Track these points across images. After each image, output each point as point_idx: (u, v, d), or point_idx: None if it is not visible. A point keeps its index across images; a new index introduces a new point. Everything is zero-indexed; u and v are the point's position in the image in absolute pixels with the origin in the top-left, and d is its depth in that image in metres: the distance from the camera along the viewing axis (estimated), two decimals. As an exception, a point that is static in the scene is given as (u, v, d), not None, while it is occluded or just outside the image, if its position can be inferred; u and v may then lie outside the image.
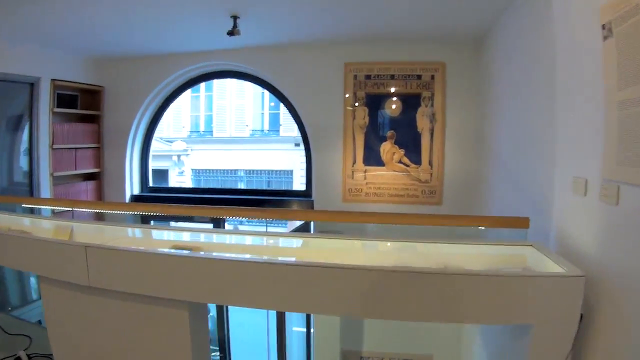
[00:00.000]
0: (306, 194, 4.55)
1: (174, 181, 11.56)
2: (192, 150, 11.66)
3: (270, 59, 4.37)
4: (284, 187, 10.99)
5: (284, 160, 10.81)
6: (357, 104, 4.22)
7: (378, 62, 4.21)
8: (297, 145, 10.38)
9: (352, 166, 4.25)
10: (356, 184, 4.26)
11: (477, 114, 4.10)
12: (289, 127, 10.71)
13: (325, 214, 2.13)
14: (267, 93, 11.07)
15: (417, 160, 4.22)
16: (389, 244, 2.09)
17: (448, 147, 4.21)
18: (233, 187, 11.37)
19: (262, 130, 11.51)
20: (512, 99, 3.26)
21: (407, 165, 4.22)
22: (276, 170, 11.15)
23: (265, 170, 11.28)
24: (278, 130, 11.18)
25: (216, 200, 4.79)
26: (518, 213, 2.82)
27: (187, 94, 11.73)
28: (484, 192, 3.92)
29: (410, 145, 4.22)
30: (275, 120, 11.24)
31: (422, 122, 4.19)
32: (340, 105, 4.24)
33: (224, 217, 4.83)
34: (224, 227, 4.75)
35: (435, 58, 4.18)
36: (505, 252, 1.96)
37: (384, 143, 4.23)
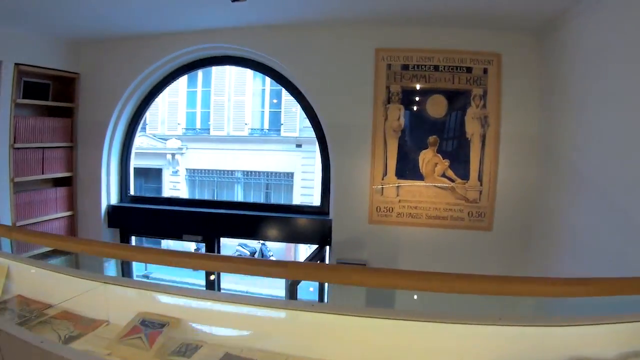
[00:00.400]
0: (321, 211, 3.70)
1: (167, 181, 10.75)
2: (187, 148, 10.85)
3: (281, 41, 3.52)
4: (284, 193, 10.19)
5: (284, 162, 10.08)
6: (390, 101, 3.39)
7: (418, 49, 3.37)
8: (298, 146, 9.65)
9: (382, 178, 3.41)
10: (386, 201, 3.42)
11: (544, 119, 3.26)
12: (290, 126, 10.02)
13: (368, 275, 1.28)
14: (268, 89, 10.30)
15: (464, 174, 3.38)
16: (462, 327, 1.25)
17: (503, 158, 3.37)
18: (230, 196, 10.59)
19: (262, 130, 10.71)
20: (603, 104, 2.48)
21: (452, 180, 3.38)
22: (276, 173, 10.38)
23: (264, 172, 10.50)
24: (279, 130, 10.45)
25: (209, 216, 3.91)
26: (620, 258, 2.13)
27: (183, 89, 11.01)
28: (551, 221, 3.08)
29: (457, 154, 3.38)
30: (276, 119, 10.51)
31: (472, 127, 3.35)
32: (369, 101, 3.40)
33: (218, 238, 4.03)
34: (218, 252, 3.94)
35: (490, 47, 3.35)
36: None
37: (424, 151, 3.39)
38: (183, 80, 10.56)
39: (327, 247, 3.57)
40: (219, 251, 4.10)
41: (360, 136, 3.41)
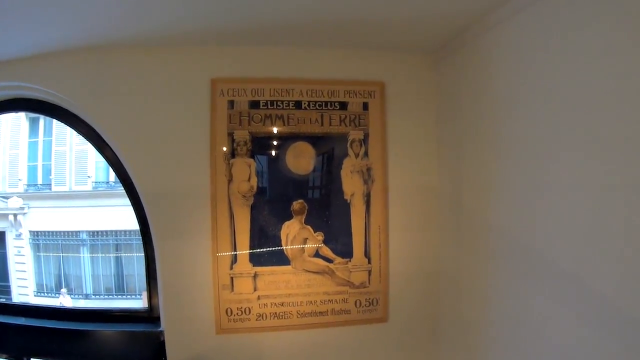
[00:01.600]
0: (149, 316, 2.56)
1: (11, 246, 9.04)
2: (29, 208, 9.21)
3: (79, 72, 2.34)
4: (137, 253, 8.80)
5: (133, 218, 8.89)
6: (235, 154, 2.37)
7: (272, 79, 2.41)
8: None
9: (231, 268, 2.37)
10: (239, 299, 2.38)
11: (444, 167, 2.49)
12: None
13: None
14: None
15: (345, 251, 2.46)
16: None
17: (395, 223, 2.52)
18: (76, 263, 9.05)
19: (108, 182, 9.36)
20: (523, 144, 1.85)
21: (330, 260, 2.45)
22: (126, 231, 9.10)
23: (112, 231, 9.16)
24: None
25: (20, 329, 2.57)
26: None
27: (25, 139, 9.38)
28: (465, 300, 2.32)
29: (334, 224, 2.45)
30: None
31: (352, 184, 2.46)
32: (204, 156, 2.35)
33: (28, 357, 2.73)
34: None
35: (370, 74, 2.50)
36: None
37: (287, 223, 2.41)
38: (24, 129, 9.17)
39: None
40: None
41: (195, 207, 2.35)
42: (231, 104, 2.36)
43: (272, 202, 2.40)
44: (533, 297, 1.77)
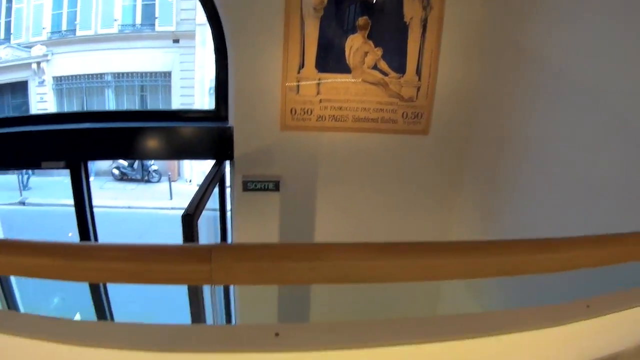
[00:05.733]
0: (217, 116, 3.03)
1: (34, 94, 9.35)
2: (52, 54, 9.35)
3: None
4: (162, 95, 9.21)
5: (160, 60, 9.14)
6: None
7: None
8: (175, 42, 8.68)
9: (299, 72, 2.78)
10: (304, 101, 2.83)
11: (501, 5, 2.75)
12: (166, 19, 8.92)
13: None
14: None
15: (399, 67, 2.85)
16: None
17: (446, 49, 2.87)
18: (100, 104, 9.39)
19: (134, 25, 9.41)
20: None
21: (385, 74, 2.85)
22: (151, 73, 9.36)
23: (138, 73, 9.42)
24: (153, 25, 9.27)
25: (72, 133, 2.94)
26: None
27: None
28: (497, 126, 2.75)
29: (392, 42, 2.81)
30: (149, 12, 9.30)
31: (412, 9, 2.76)
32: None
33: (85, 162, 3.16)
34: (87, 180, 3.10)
35: None
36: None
37: (352, 36, 2.76)
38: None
39: (228, 163, 2.99)
40: (87, 179, 3.24)
41: (269, 16, 2.69)
42: None
43: (339, 17, 2.73)
44: (558, 119, 2.15)
